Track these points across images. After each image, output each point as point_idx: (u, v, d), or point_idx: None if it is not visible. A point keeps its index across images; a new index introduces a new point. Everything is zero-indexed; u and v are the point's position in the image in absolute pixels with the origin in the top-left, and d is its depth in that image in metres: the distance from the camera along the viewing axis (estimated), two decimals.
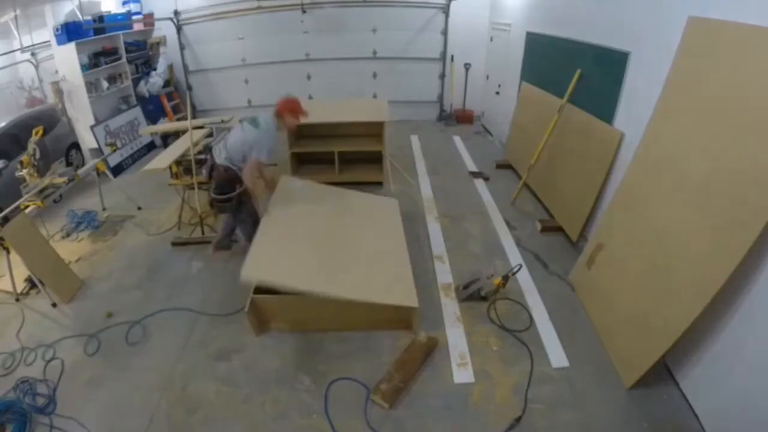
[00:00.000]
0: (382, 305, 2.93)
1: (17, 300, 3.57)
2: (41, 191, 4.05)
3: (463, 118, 8.21)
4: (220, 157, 3.38)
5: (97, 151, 6.08)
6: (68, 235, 4.61)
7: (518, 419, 2.47)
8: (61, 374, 2.87)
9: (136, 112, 7.08)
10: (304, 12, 7.55)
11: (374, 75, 8.07)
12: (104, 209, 5.11)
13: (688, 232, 2.46)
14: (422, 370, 2.80)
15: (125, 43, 7.09)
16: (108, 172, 5.36)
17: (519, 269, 3.52)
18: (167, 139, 7.02)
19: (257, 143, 3.27)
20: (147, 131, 6.73)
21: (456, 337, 3.07)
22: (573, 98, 4.29)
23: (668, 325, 2.39)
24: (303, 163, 5.70)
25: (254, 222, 3.50)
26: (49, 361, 2.99)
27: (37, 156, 4.13)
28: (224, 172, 3.35)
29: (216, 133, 5.16)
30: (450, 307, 3.37)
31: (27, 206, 3.99)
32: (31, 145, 4.12)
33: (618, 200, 3.24)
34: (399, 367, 2.74)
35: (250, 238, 3.46)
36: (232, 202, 3.42)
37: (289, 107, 3.43)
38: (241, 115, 6.27)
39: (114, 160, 6.13)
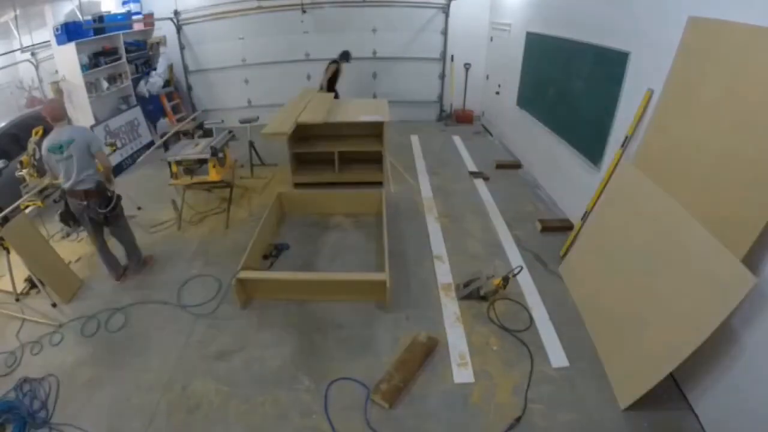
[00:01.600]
0: (357, 281, 3.47)
1: (17, 300, 3.57)
2: (41, 191, 4.04)
3: (463, 118, 8.21)
4: (76, 185, 3.30)
5: None
6: (68, 235, 4.60)
7: (518, 419, 2.47)
8: (61, 374, 2.86)
9: (136, 112, 7.07)
10: (304, 12, 7.55)
11: (374, 75, 8.07)
12: None
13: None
14: (422, 370, 2.80)
15: (125, 43, 7.08)
16: None
17: (520, 271, 3.52)
18: (166, 141, 7.01)
19: (92, 140, 3.32)
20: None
21: (456, 337, 3.07)
22: (573, 97, 4.29)
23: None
24: (303, 163, 5.70)
25: (128, 224, 3.86)
26: (48, 360, 2.98)
27: (37, 156, 4.12)
28: (96, 188, 3.37)
29: (216, 133, 5.17)
30: (450, 307, 3.36)
31: (27, 206, 3.99)
32: (31, 145, 4.12)
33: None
34: (399, 366, 2.74)
35: (130, 241, 3.85)
36: (119, 206, 3.58)
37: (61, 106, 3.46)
38: (240, 115, 6.33)
39: (114, 160, 6.11)
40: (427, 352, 2.88)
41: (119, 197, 3.58)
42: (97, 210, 3.42)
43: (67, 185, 3.33)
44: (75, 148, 3.20)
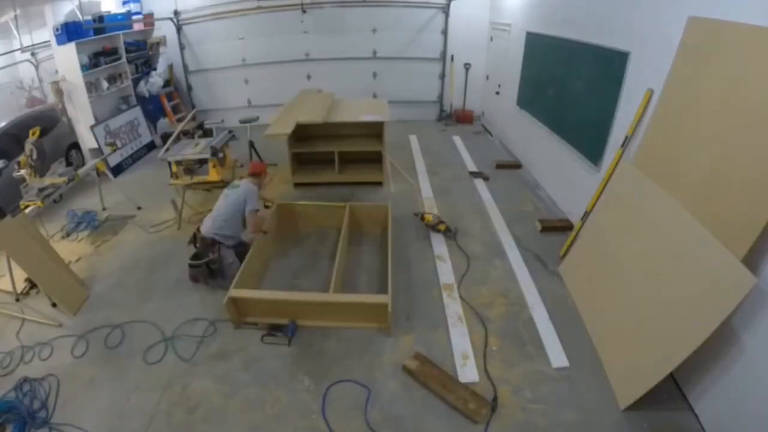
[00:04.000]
0: (356, 303, 3.19)
1: (17, 300, 3.57)
2: (41, 191, 4.04)
3: (463, 118, 8.21)
4: (207, 230, 3.53)
5: (97, 151, 6.07)
6: (68, 235, 4.61)
7: (494, 408, 2.51)
8: (61, 374, 2.86)
9: (136, 112, 7.08)
10: (304, 12, 7.55)
11: (374, 75, 8.08)
12: (104, 209, 5.11)
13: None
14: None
15: (125, 43, 7.08)
16: (108, 172, 5.36)
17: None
18: (166, 140, 7.03)
19: (248, 195, 3.55)
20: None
21: (458, 337, 3.07)
22: (573, 98, 4.29)
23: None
24: (303, 163, 5.70)
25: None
26: (48, 360, 2.99)
27: (34, 156, 4.12)
28: (210, 242, 3.53)
29: (216, 133, 5.16)
30: (452, 306, 3.36)
31: (27, 206, 3.97)
32: (28, 146, 4.11)
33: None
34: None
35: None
36: (201, 268, 3.60)
37: (261, 167, 3.82)
38: (240, 115, 6.33)
39: (114, 160, 6.12)
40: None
41: (212, 261, 3.53)
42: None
43: (204, 221, 3.63)
44: (233, 192, 3.59)
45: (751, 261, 2.08)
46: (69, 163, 5.51)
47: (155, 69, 7.78)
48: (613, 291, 2.95)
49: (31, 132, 4.24)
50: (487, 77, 7.79)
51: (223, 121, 6.58)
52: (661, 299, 2.48)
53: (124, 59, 7.06)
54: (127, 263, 4.08)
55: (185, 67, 8.15)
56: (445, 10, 7.55)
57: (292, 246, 4.26)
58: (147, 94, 7.52)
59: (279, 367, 2.88)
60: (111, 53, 6.85)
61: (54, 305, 3.48)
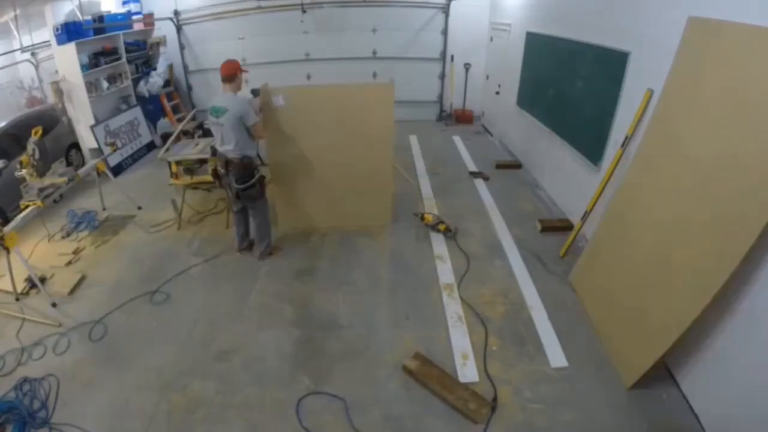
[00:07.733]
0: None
1: (17, 300, 3.57)
2: (41, 191, 4.04)
3: (463, 118, 8.21)
4: (229, 152, 3.52)
5: (97, 151, 6.07)
6: (68, 235, 4.61)
7: (494, 408, 2.49)
8: (61, 374, 2.86)
9: (136, 112, 7.08)
10: (304, 12, 7.55)
11: (374, 75, 8.07)
12: (104, 209, 5.11)
13: (688, 231, 2.45)
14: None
15: (125, 43, 7.09)
16: (108, 172, 5.36)
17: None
18: (166, 140, 7.02)
19: (244, 113, 3.46)
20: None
21: (458, 337, 3.07)
22: (573, 98, 4.29)
23: (668, 324, 2.40)
24: None
25: (266, 208, 3.86)
26: (48, 360, 2.99)
27: (36, 156, 4.12)
28: (240, 161, 3.51)
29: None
30: (452, 306, 3.36)
31: (27, 206, 3.97)
32: (30, 146, 4.11)
33: (618, 199, 3.24)
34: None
35: (261, 226, 3.87)
36: (256, 187, 3.63)
37: (236, 66, 3.66)
38: None
39: (114, 160, 6.13)
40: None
41: (261, 178, 3.64)
42: (232, 183, 3.58)
43: (217, 147, 3.57)
44: (226, 118, 3.37)
45: (751, 261, 2.08)
46: (69, 163, 5.51)
47: (155, 69, 7.78)
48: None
49: (33, 131, 4.23)
50: (487, 77, 7.79)
51: None
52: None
53: (124, 59, 7.06)
54: (128, 263, 4.08)
55: (185, 67, 8.16)
56: (445, 10, 7.55)
57: (294, 245, 4.27)
58: (147, 94, 7.52)
59: (279, 367, 2.88)
60: (111, 53, 6.85)
61: (54, 305, 3.48)
